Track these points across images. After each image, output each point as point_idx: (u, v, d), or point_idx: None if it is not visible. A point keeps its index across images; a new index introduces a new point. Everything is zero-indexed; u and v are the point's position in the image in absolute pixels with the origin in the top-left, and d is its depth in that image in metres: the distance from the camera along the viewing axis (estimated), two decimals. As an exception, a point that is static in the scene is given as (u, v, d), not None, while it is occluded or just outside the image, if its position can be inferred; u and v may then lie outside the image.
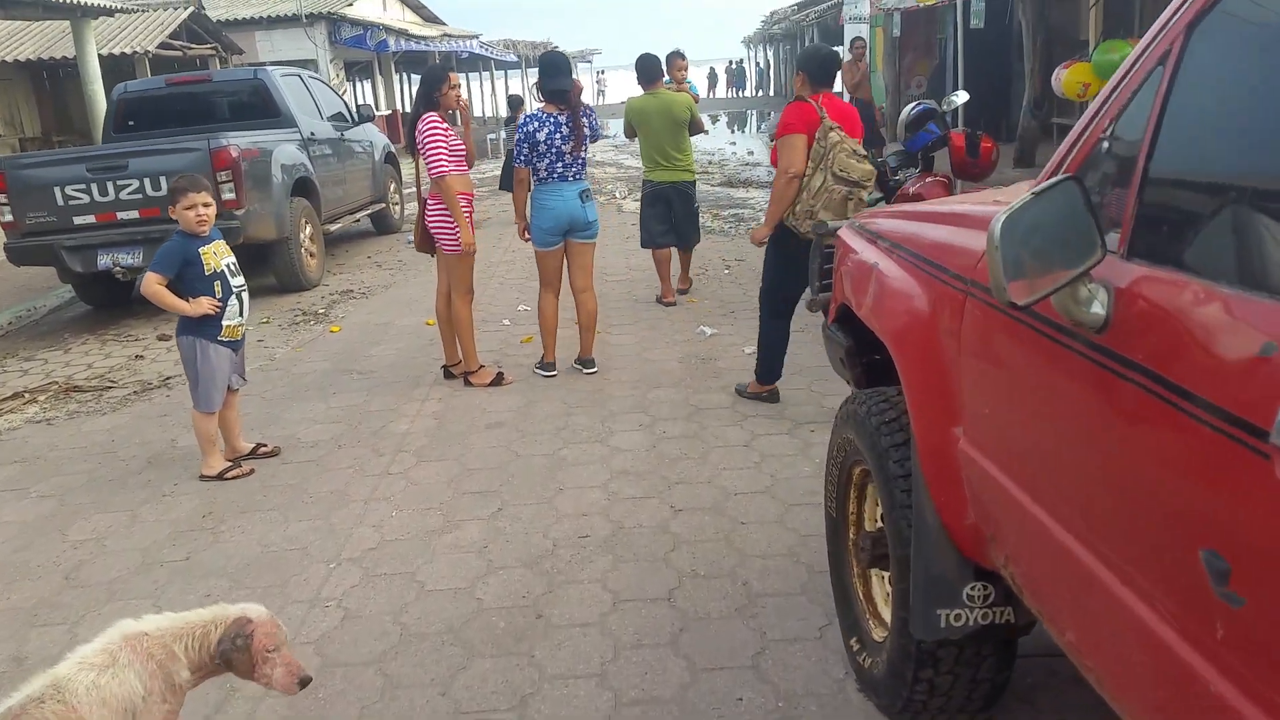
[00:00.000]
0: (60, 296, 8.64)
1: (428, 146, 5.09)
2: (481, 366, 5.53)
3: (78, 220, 7.27)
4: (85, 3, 12.89)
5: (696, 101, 7.55)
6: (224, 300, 4.27)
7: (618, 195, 13.76)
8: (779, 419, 4.73)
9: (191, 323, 4.22)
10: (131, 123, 8.85)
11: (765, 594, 3.14)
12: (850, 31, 11.59)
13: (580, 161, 5.29)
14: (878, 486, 2.36)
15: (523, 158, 5.27)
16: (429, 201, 5.33)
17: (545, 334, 5.56)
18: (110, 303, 8.12)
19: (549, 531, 3.67)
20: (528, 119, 5.24)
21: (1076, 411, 1.47)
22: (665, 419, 4.81)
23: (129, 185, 7.21)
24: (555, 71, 5.26)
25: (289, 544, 3.69)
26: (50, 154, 8.52)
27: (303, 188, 8.56)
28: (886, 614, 2.54)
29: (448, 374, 5.62)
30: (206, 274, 4.21)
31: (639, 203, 7.47)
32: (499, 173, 13.63)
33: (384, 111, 25.64)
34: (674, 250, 7.24)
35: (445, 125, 5.19)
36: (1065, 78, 6.01)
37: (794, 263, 4.49)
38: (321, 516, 3.92)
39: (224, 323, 4.27)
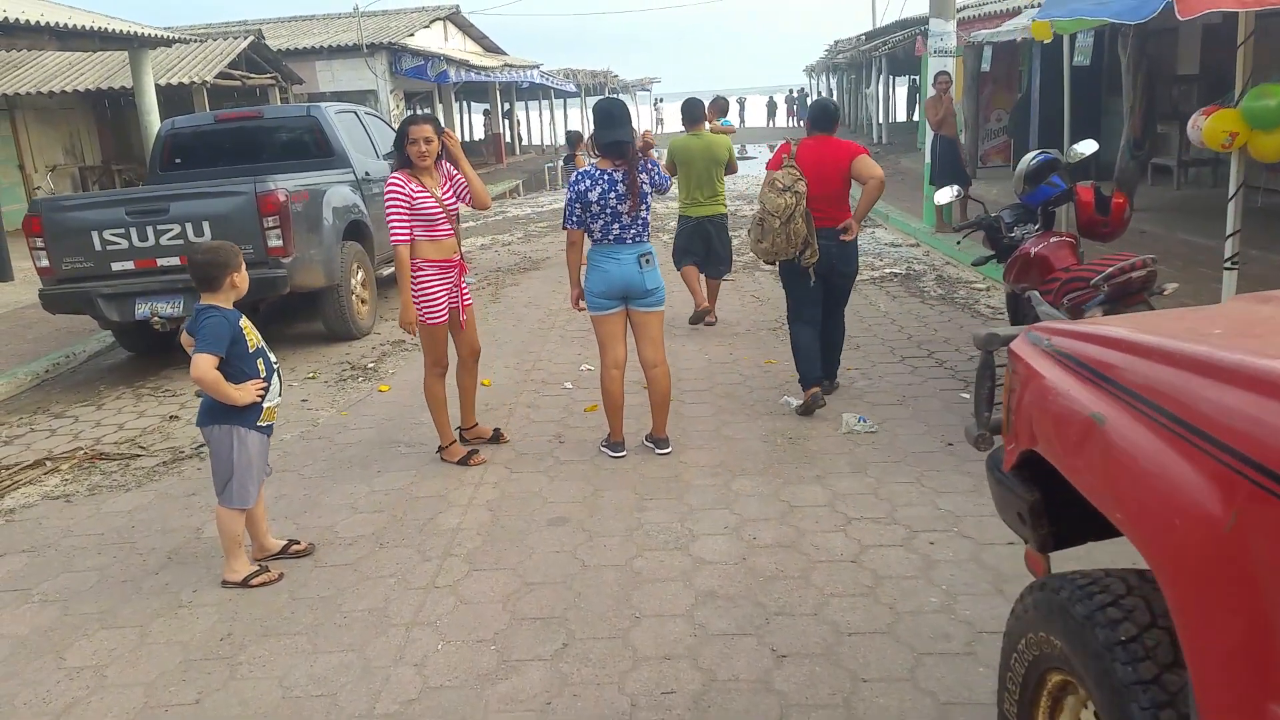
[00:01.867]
0: (101, 341, 8.25)
1: (386, 213, 4.67)
2: (453, 442, 5.06)
3: (116, 266, 6.84)
4: (142, 33, 12.71)
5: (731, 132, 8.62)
6: (267, 379, 3.72)
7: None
8: (889, 523, 4.04)
9: (226, 409, 3.65)
10: (179, 160, 8.47)
11: (906, 798, 2.46)
12: (934, 65, 10.86)
13: (641, 222, 4.70)
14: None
15: (575, 219, 4.69)
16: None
17: (610, 413, 4.94)
18: (149, 350, 7.69)
19: (625, 682, 3.02)
20: (580, 176, 4.65)
21: None
22: (754, 519, 4.15)
23: (170, 230, 6.77)
24: (610, 122, 4.63)
25: (315, 687, 3.09)
26: (89, 196, 8.12)
27: (355, 231, 8.09)
28: None
29: (461, 439, 5.20)
30: (250, 351, 3.65)
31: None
32: (559, 206, 13.21)
33: (442, 141, 25.42)
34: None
35: (413, 185, 4.66)
36: (1207, 126, 5.25)
37: (795, 282, 5.41)
38: (355, 647, 3.31)
39: (264, 405, 3.71)
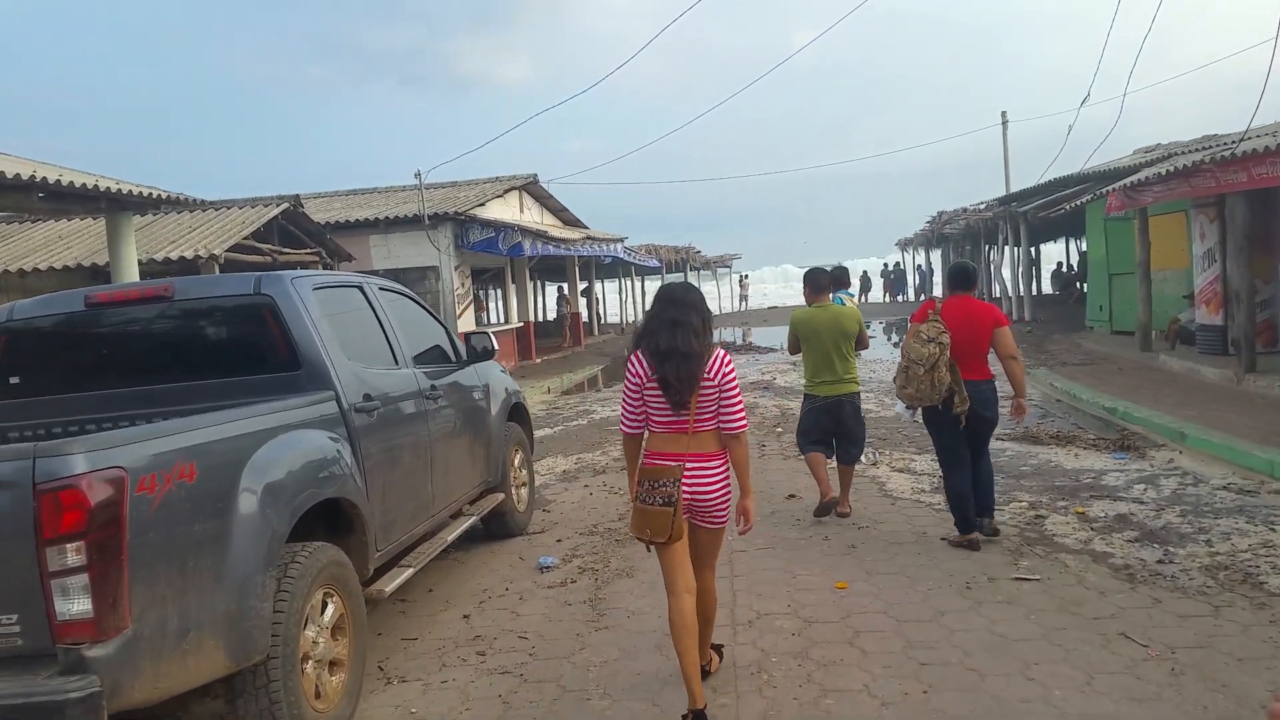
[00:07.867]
0: None
1: (735, 386, 3.60)
2: None
3: None
4: (116, 190, 9.25)
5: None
6: None
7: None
8: None
9: None
10: (14, 379, 4.54)
11: None
12: None
13: None
14: None
15: None
16: (705, 466, 3.60)
17: None
18: None
19: None
20: None
21: None
22: None
23: None
24: None
25: None
26: None
27: (330, 517, 4.01)
28: None
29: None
30: None
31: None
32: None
33: (514, 324, 21.99)
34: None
35: None
36: None
37: (942, 428, 5.74)
38: None
39: None
